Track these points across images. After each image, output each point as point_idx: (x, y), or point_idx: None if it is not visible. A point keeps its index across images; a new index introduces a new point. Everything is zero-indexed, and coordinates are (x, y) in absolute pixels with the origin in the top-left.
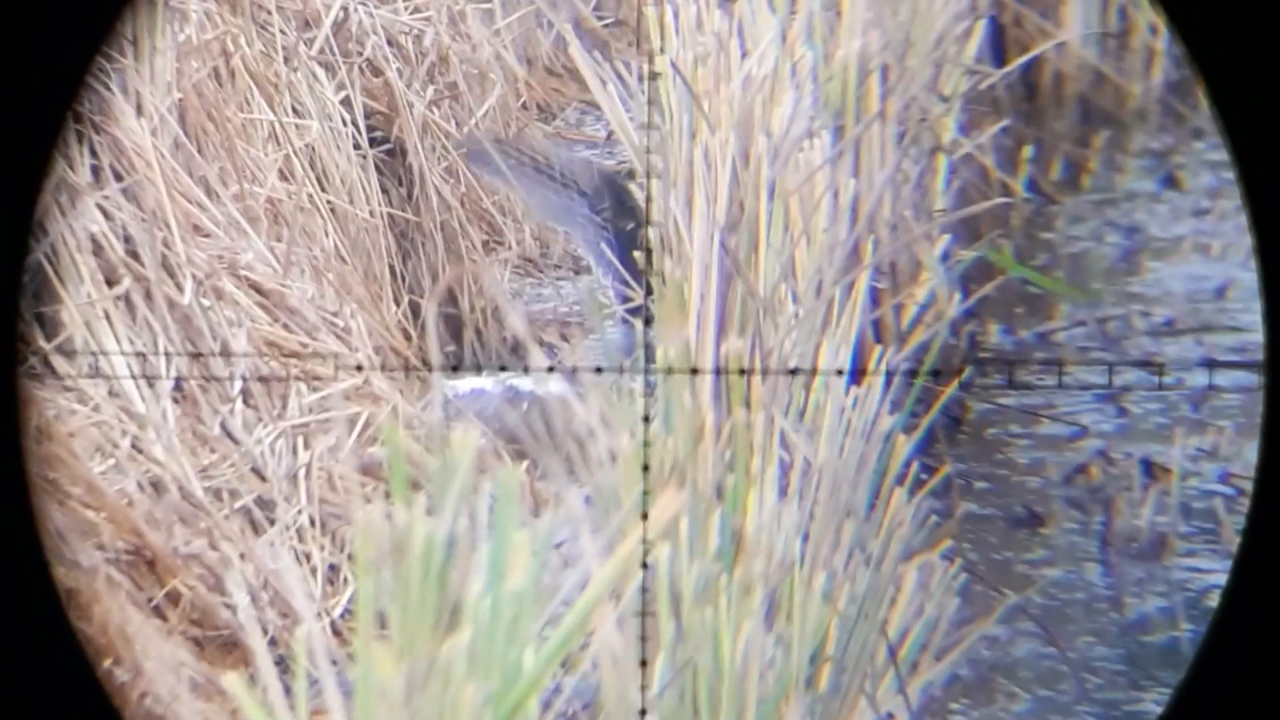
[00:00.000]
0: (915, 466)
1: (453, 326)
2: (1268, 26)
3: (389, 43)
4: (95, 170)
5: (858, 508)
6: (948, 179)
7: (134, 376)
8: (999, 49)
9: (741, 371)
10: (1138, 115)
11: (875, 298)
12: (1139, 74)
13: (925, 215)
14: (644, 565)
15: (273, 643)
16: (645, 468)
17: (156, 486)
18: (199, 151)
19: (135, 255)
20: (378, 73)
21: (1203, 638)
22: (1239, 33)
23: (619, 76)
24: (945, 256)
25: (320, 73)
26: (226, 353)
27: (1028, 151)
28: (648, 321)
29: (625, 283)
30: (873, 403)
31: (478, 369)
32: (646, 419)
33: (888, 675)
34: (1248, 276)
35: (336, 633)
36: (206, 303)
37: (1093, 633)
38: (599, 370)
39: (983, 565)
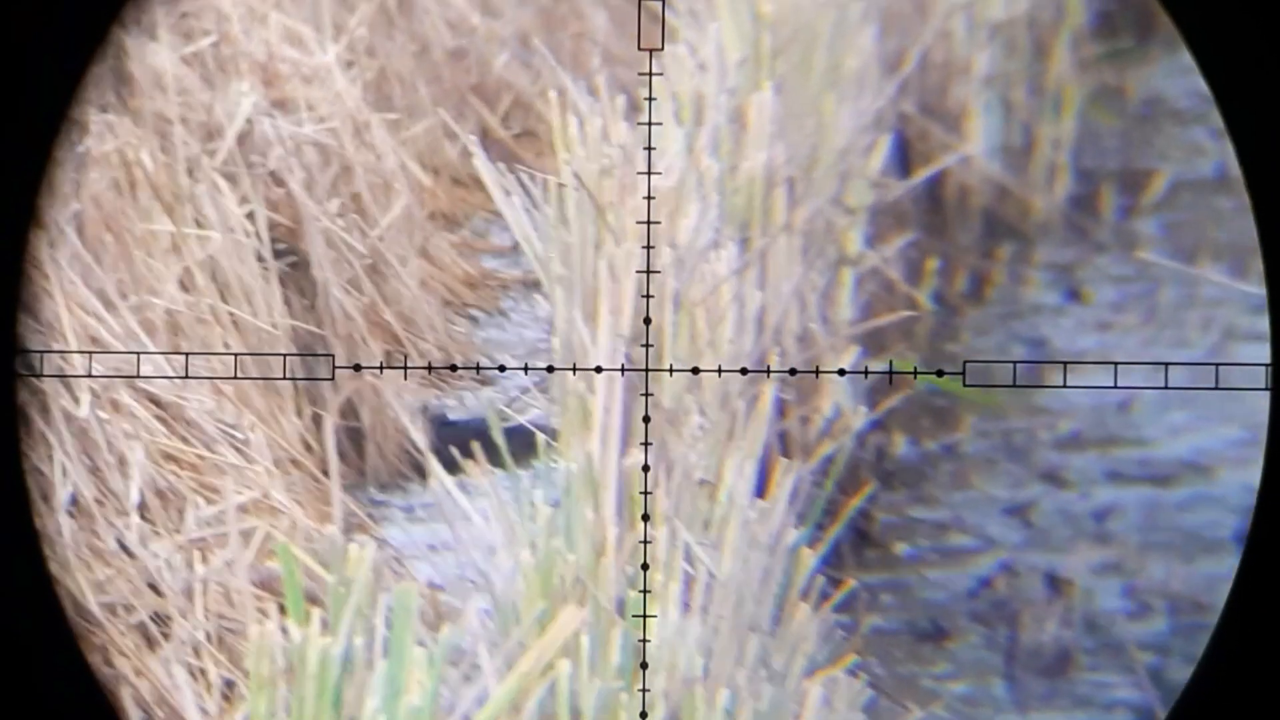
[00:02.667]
0: (820, 580)
1: (354, 439)
2: (1271, 26)
3: (293, 153)
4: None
5: (762, 622)
6: (854, 291)
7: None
8: (904, 162)
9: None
10: (1042, 228)
11: (781, 409)
12: (1042, 187)
13: (832, 327)
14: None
15: None
16: (646, 468)
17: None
18: (98, 263)
19: (31, 369)
20: (281, 184)
21: (1206, 644)
22: (1243, 32)
23: (524, 187)
24: (852, 369)
25: (223, 184)
26: (123, 465)
27: (933, 264)
28: (647, 321)
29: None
30: (778, 515)
31: (378, 483)
32: (646, 418)
33: None
34: (1150, 393)
35: None
36: (104, 415)
37: None
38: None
39: (888, 680)
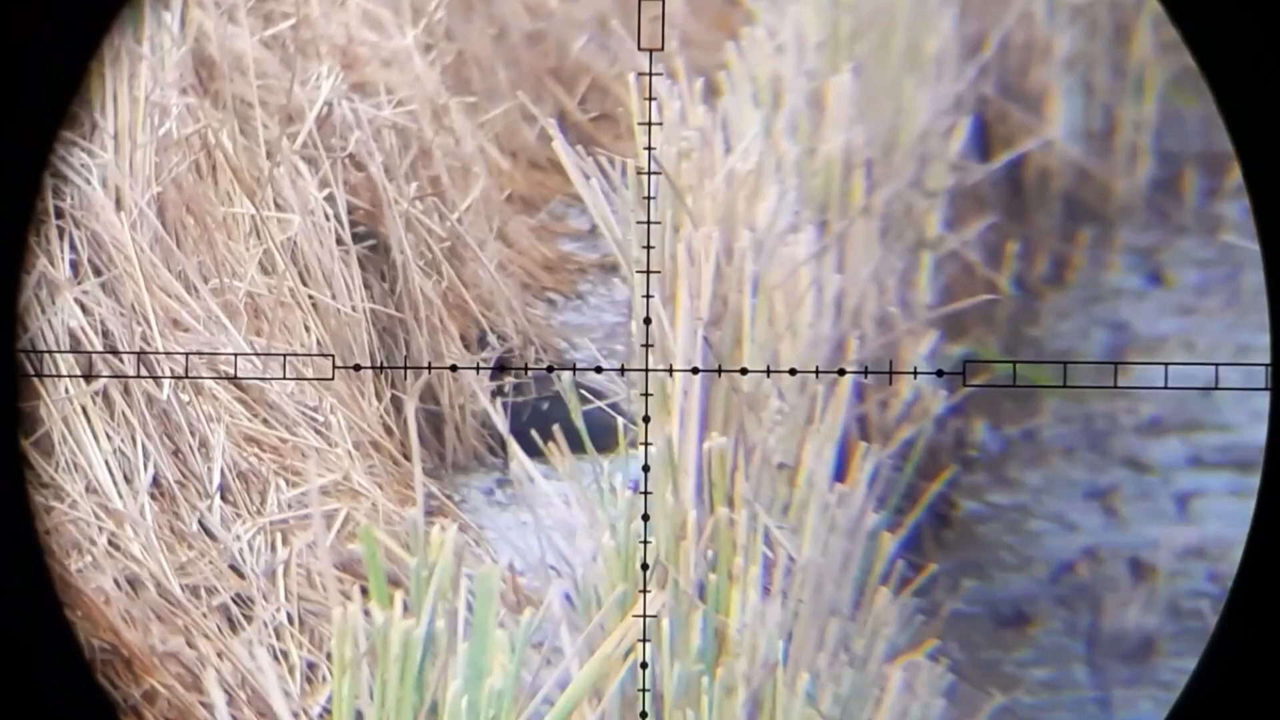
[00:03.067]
0: (900, 565)
1: (433, 423)
2: (1271, 25)
3: (372, 137)
4: (74, 265)
5: (842, 607)
6: (933, 275)
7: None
8: (984, 145)
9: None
10: (1123, 212)
11: (860, 394)
12: (1124, 170)
13: (911, 311)
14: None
15: None
16: (646, 468)
17: (133, 584)
18: (178, 245)
19: (114, 350)
20: (360, 167)
21: (1206, 644)
22: (1243, 33)
23: (602, 170)
24: (931, 353)
25: (303, 167)
26: (205, 448)
27: (1013, 248)
28: (647, 321)
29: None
30: (857, 500)
31: (457, 466)
32: (646, 419)
33: None
34: (1234, 375)
35: None
36: (185, 398)
37: None
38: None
39: (969, 665)
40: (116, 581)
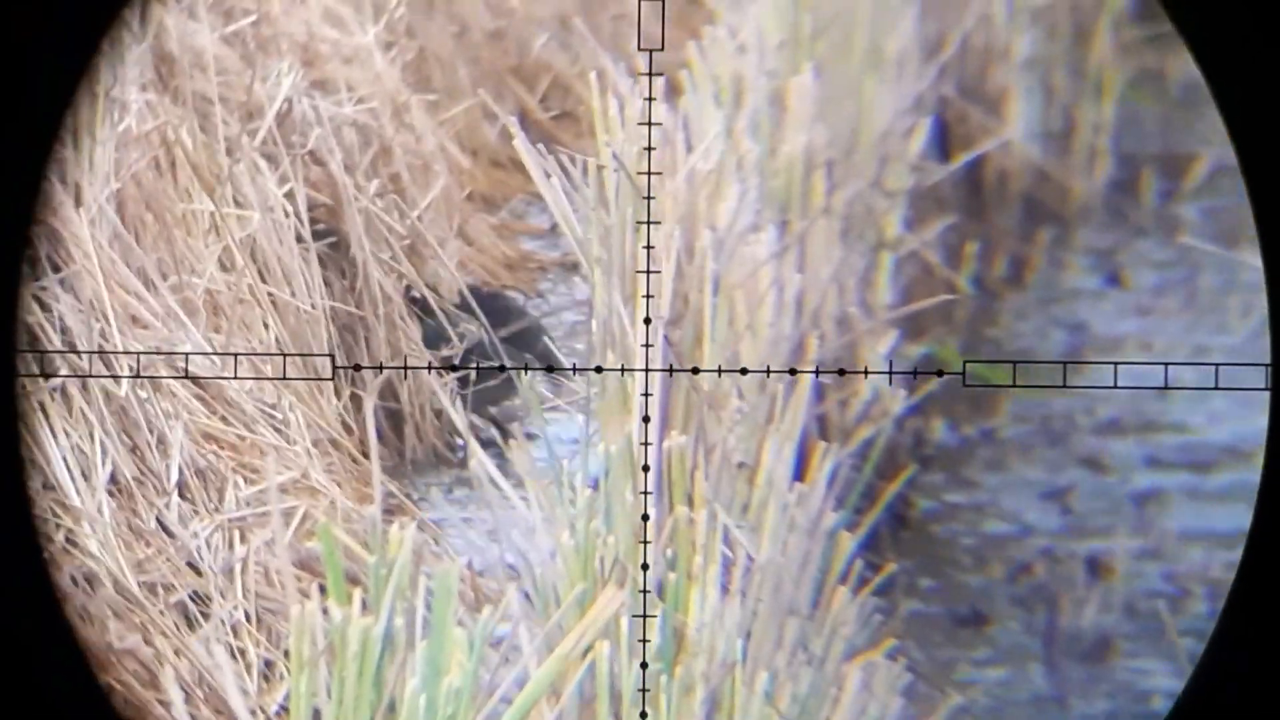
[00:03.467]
0: (859, 564)
1: (393, 420)
2: (1271, 23)
3: (333, 134)
4: (32, 261)
5: (800, 606)
6: (893, 275)
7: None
8: (943, 145)
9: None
10: (1081, 213)
11: (820, 394)
12: (1082, 172)
13: (871, 311)
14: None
15: None
16: (645, 468)
17: (90, 581)
18: (138, 242)
19: (72, 347)
20: (321, 164)
21: (1206, 643)
22: (1242, 29)
23: (563, 169)
24: (891, 353)
25: (263, 164)
26: (163, 445)
27: (972, 248)
28: (647, 321)
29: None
30: (816, 499)
31: (416, 464)
32: (646, 419)
33: None
34: (1190, 375)
35: None
36: (143, 395)
37: None
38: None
39: (927, 664)
40: (73, 578)
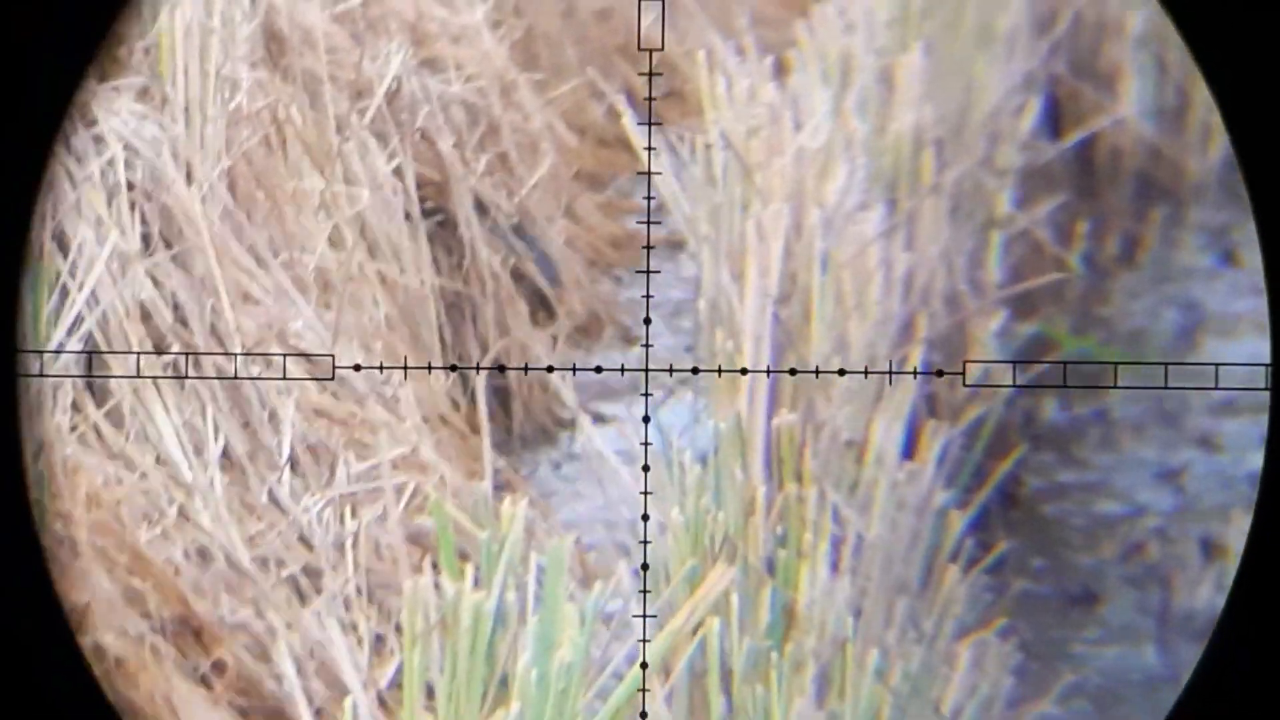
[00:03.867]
0: (969, 543)
1: (501, 397)
2: (1270, 20)
3: (441, 112)
4: (145, 238)
5: (910, 584)
6: (1002, 254)
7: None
8: (1055, 123)
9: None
10: (1195, 191)
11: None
12: (1196, 149)
13: (980, 290)
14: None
15: (319, 714)
16: (645, 468)
17: (203, 555)
18: (248, 219)
19: (184, 323)
20: (429, 142)
21: (1204, 648)
22: (1244, 28)
23: (671, 147)
24: (1000, 332)
25: (372, 142)
26: (274, 420)
27: (1083, 227)
28: (647, 321)
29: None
30: (926, 478)
31: (525, 440)
32: (646, 419)
33: None
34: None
35: (383, 704)
36: (255, 370)
37: (1150, 713)
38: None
39: (1038, 644)
40: (186, 552)
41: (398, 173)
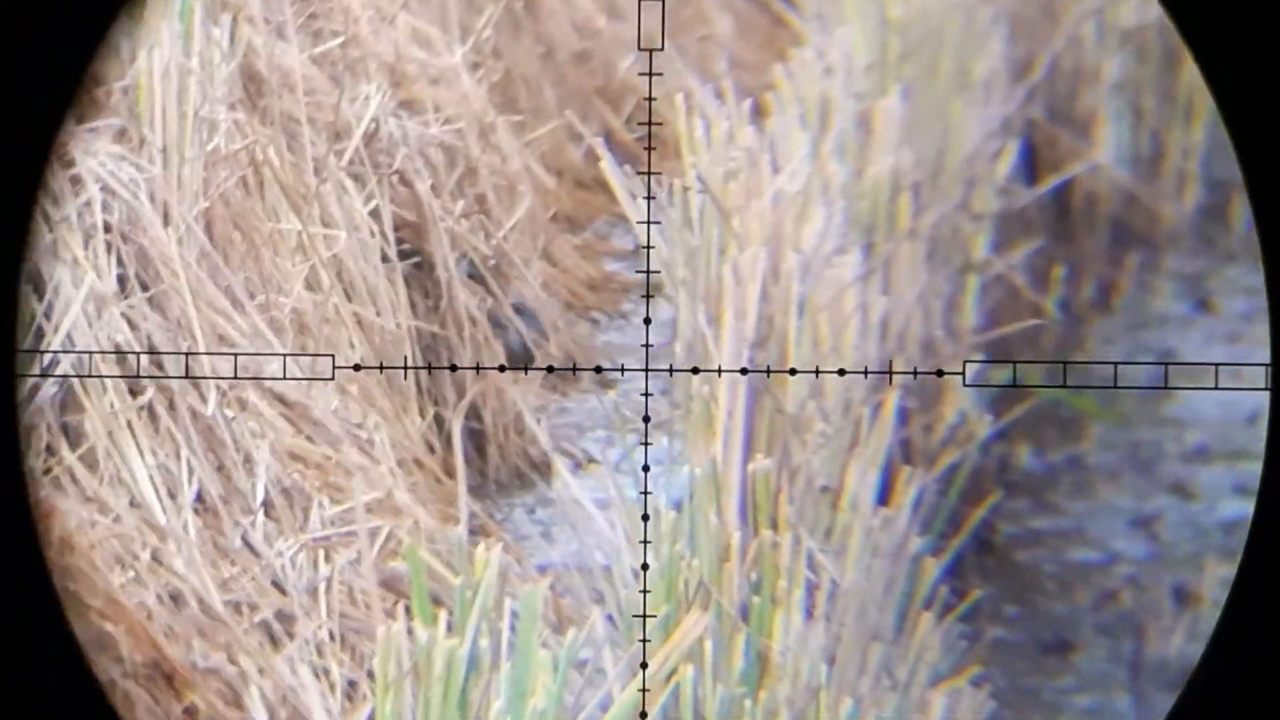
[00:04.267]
0: (943, 590)
1: (477, 441)
2: (1272, 27)
3: (419, 154)
4: (121, 279)
5: (885, 631)
6: (979, 298)
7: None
8: (1031, 169)
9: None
10: (1170, 238)
11: (904, 417)
12: (1172, 196)
13: (956, 335)
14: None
15: None
16: (645, 468)
17: (176, 599)
18: (225, 261)
19: (159, 365)
20: (407, 184)
21: (1205, 648)
22: (1243, 28)
23: (648, 190)
24: (977, 377)
25: (350, 184)
26: (249, 464)
27: (1059, 272)
28: (647, 321)
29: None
30: (901, 524)
31: (500, 485)
32: (646, 419)
33: None
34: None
35: None
36: (230, 414)
37: None
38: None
39: (1011, 692)
40: (159, 596)
41: (375, 214)
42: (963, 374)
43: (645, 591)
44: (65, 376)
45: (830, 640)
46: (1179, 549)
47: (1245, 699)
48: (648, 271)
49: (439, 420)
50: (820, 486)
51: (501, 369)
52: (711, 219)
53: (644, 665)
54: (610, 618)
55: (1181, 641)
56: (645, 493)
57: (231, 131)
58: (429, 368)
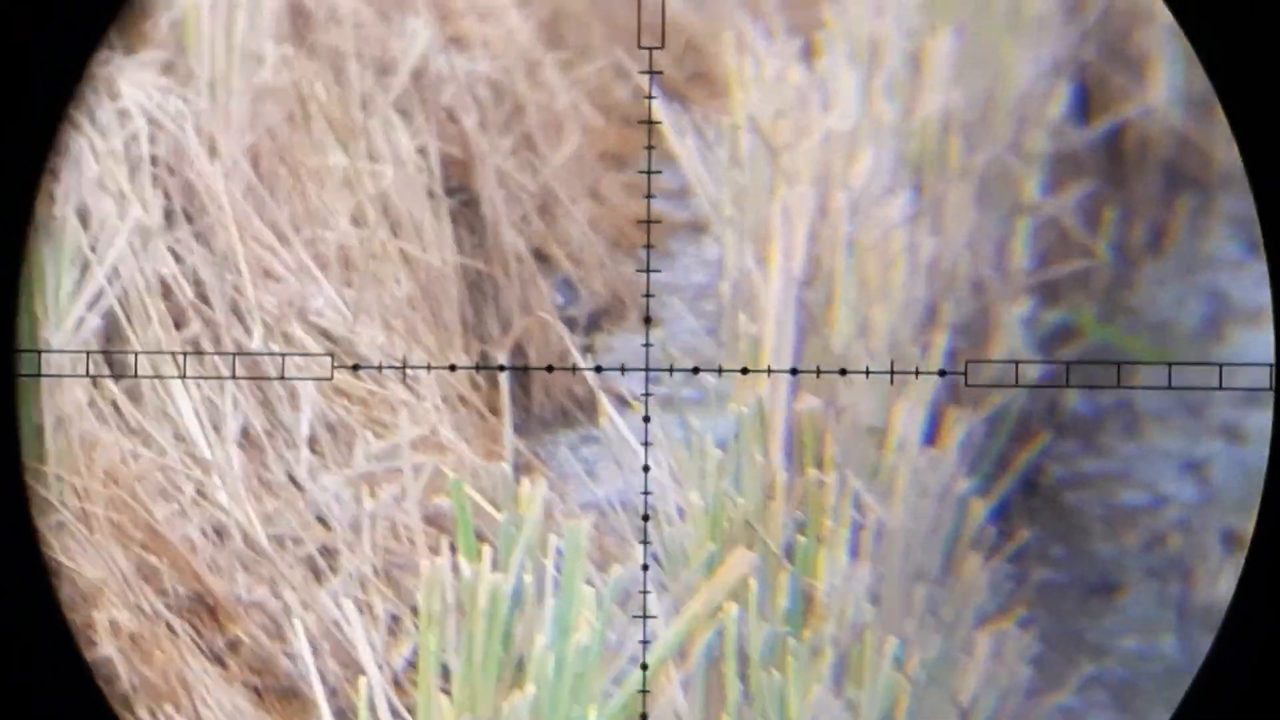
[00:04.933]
0: (990, 531)
1: (521, 377)
2: (1275, 22)
3: (467, 91)
4: (167, 213)
5: (930, 572)
6: (1030, 240)
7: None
8: (1084, 110)
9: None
10: (1223, 180)
11: (953, 358)
12: (1224, 139)
13: (1005, 276)
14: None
15: (333, 693)
16: (645, 468)
17: (220, 533)
18: (271, 196)
19: (205, 299)
20: (454, 120)
21: (1210, 646)
22: (1247, 27)
23: (696, 128)
24: (1026, 319)
25: (397, 119)
26: (294, 398)
27: (1112, 214)
28: (648, 320)
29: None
30: (948, 465)
31: (545, 422)
32: (646, 419)
33: None
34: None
35: (398, 685)
36: (275, 348)
37: (1168, 705)
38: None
39: (1057, 634)
40: (203, 530)
41: (422, 151)
42: (964, 374)
43: (645, 592)
44: (77, 376)
45: (875, 580)
46: (1229, 493)
47: (1247, 700)
48: (647, 271)
49: (484, 357)
50: (867, 426)
51: (544, 310)
52: (761, 158)
53: (644, 666)
54: (655, 556)
55: (1229, 585)
56: (646, 494)
57: (278, 65)
58: (427, 367)
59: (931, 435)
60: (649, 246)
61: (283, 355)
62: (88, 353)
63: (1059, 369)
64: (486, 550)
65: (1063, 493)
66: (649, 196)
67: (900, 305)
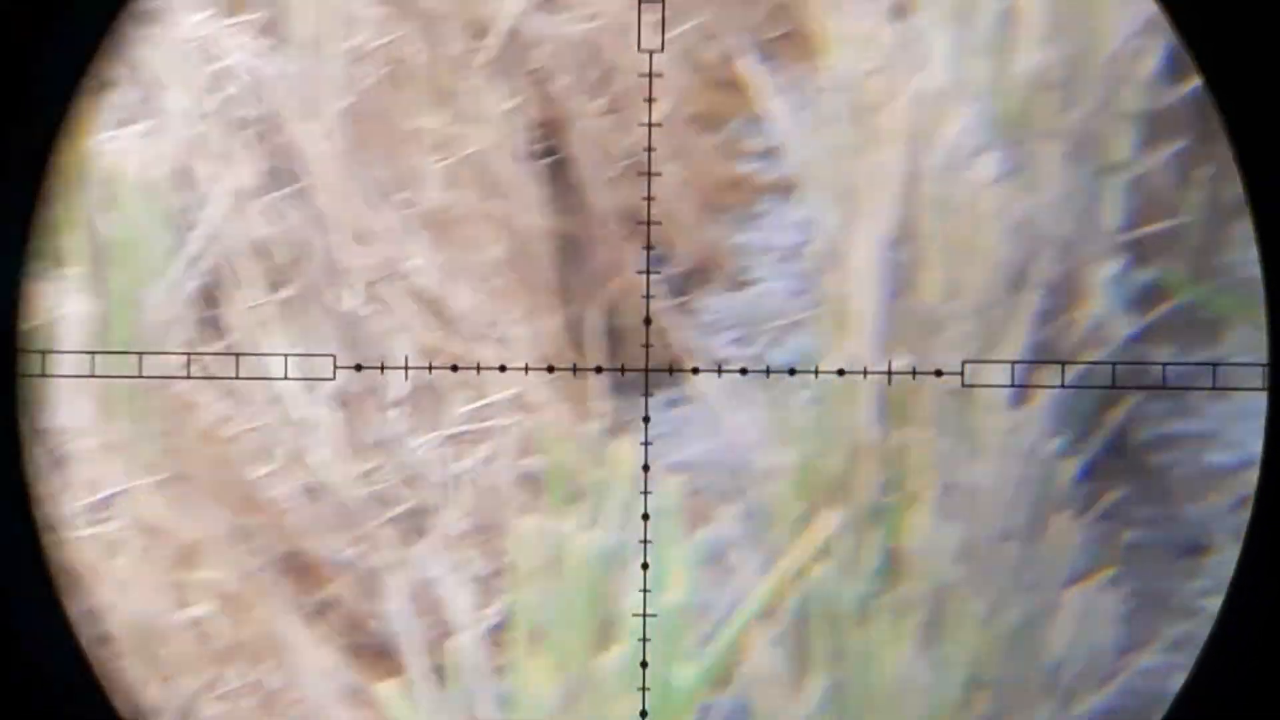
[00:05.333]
0: (1078, 491)
1: (615, 337)
2: (1271, 23)
3: (560, 52)
4: (265, 174)
5: (1018, 532)
6: (1121, 199)
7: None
8: (1176, 68)
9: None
10: None
11: (1043, 317)
12: None
13: (1096, 236)
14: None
15: (425, 653)
16: (645, 468)
17: (314, 493)
18: (366, 158)
19: (301, 260)
20: (547, 82)
21: (1205, 642)
22: (1240, 28)
23: (788, 88)
24: (1117, 278)
25: (490, 81)
26: (387, 359)
27: (1203, 173)
28: (648, 321)
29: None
30: (1037, 425)
31: (638, 382)
32: (646, 419)
33: (1045, 703)
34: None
35: (491, 644)
36: (369, 309)
37: None
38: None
39: (1145, 594)
40: (296, 491)
41: (514, 112)
42: (961, 374)
43: (645, 591)
44: (78, 376)
45: (963, 540)
46: None
47: (1245, 700)
48: (647, 270)
49: (575, 318)
50: (957, 386)
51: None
52: (851, 117)
53: (644, 664)
54: (746, 513)
55: None
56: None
57: (374, 27)
58: (432, 368)
59: (1021, 395)
60: (741, 207)
61: (284, 356)
62: (89, 353)
63: (1148, 329)
64: (577, 510)
65: (1151, 453)
66: (740, 157)
67: (989, 265)
